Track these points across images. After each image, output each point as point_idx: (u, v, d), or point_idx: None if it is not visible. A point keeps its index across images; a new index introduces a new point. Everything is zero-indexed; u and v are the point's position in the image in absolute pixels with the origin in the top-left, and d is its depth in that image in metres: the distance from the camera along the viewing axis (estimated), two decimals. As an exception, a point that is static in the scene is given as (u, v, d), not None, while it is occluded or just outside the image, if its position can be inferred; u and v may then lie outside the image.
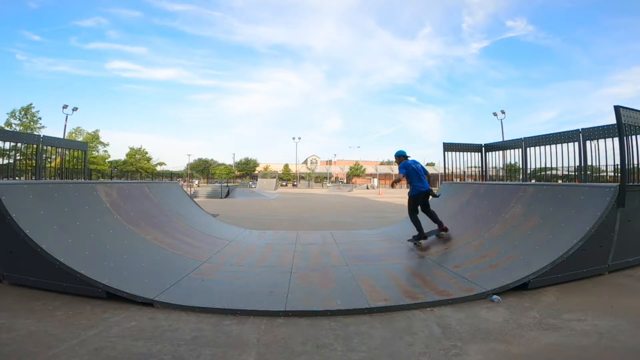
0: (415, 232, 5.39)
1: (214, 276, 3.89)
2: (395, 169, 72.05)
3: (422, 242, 5.34)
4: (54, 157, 7.38)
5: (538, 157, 7.04)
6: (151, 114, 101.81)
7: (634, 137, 4.19)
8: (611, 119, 4.29)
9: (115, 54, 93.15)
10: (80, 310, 2.88)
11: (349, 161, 69.22)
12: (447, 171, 8.36)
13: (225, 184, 31.13)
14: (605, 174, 6.40)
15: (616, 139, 4.31)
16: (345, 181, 66.02)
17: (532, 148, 7.22)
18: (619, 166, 4.29)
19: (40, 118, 28.14)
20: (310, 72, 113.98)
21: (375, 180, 66.07)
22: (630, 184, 4.03)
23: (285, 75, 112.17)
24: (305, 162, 72.34)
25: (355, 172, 65.95)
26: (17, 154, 7.11)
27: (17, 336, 2.42)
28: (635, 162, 4.21)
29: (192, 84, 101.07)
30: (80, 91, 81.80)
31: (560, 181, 7.28)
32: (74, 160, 7.59)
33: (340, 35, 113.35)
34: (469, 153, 8.57)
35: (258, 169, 67.85)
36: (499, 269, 3.76)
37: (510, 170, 8.30)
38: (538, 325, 2.68)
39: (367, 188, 53.92)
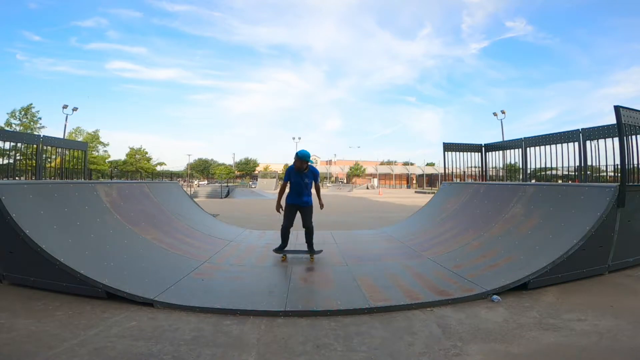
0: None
1: (214, 276, 3.89)
2: (395, 169, 71.65)
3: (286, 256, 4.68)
4: (54, 157, 7.39)
5: (538, 157, 7.05)
6: (151, 114, 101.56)
7: (634, 137, 4.19)
8: (611, 119, 4.30)
9: (115, 54, 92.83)
10: (80, 310, 2.88)
11: (349, 161, 69.16)
12: (447, 171, 8.37)
13: (225, 184, 31.12)
14: (605, 174, 6.40)
15: (616, 139, 4.32)
16: (345, 181, 66.00)
17: (532, 148, 7.22)
18: (619, 166, 4.29)
19: (40, 118, 28.26)
20: (310, 72, 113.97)
21: (375, 180, 66.07)
22: (630, 184, 4.03)
23: (285, 75, 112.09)
24: (305, 162, 72.20)
25: (355, 172, 65.89)
26: (17, 154, 7.11)
27: (17, 336, 2.42)
28: (635, 162, 4.22)
29: (192, 84, 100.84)
30: (80, 91, 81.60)
31: (560, 181, 7.28)
32: (74, 160, 7.59)
33: (340, 36, 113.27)
34: (469, 153, 8.58)
35: (258, 169, 67.82)
36: (499, 269, 3.76)
37: (510, 170, 8.30)
38: (538, 325, 2.68)
39: (367, 188, 53.91)
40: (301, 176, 4.42)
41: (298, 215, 4.65)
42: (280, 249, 4.73)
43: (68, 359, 2.14)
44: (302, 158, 4.34)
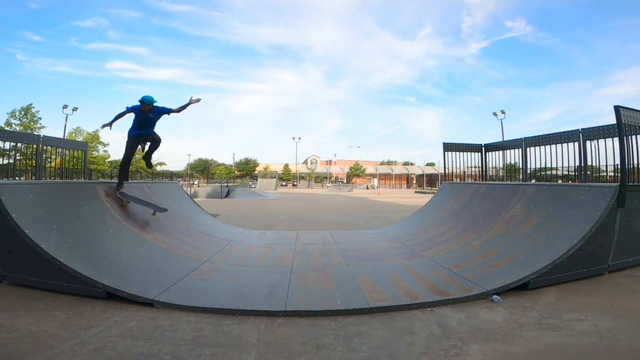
0: None
1: (214, 276, 3.89)
2: (395, 169, 71.74)
3: None
4: (54, 157, 7.38)
5: (538, 157, 7.05)
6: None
7: (634, 137, 4.19)
8: (611, 119, 4.30)
9: (115, 54, 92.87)
10: (80, 310, 2.88)
11: (349, 161, 69.14)
12: (447, 171, 8.37)
13: (226, 184, 31.09)
14: (605, 174, 6.41)
15: (616, 139, 4.32)
16: (345, 181, 65.97)
17: (532, 148, 7.22)
18: (619, 166, 4.29)
19: (40, 118, 28.09)
20: (310, 72, 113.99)
21: (375, 180, 66.06)
22: (630, 184, 4.03)
23: (285, 75, 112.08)
24: (305, 162, 72.28)
25: (355, 172, 65.88)
26: (17, 154, 7.11)
27: (17, 336, 2.42)
28: (635, 162, 4.22)
29: (192, 84, 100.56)
30: (80, 91, 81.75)
31: (560, 181, 7.28)
32: (74, 160, 7.58)
33: (340, 36, 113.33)
34: (469, 153, 8.58)
35: (258, 169, 67.77)
36: (499, 269, 3.76)
37: (510, 170, 8.30)
38: (538, 325, 2.68)
39: (367, 188, 53.88)
40: (147, 114, 4.96)
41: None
42: (120, 185, 5.13)
43: (68, 359, 2.15)
44: (148, 103, 4.87)
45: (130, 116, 4.97)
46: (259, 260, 4.78)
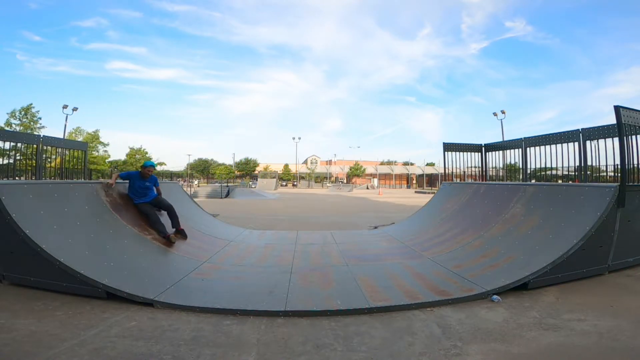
0: None
1: (214, 276, 3.89)
2: (395, 169, 71.79)
3: None
4: (54, 157, 7.39)
5: (538, 157, 7.05)
6: (151, 114, 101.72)
7: (634, 137, 4.19)
8: (611, 119, 4.30)
9: (115, 54, 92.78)
10: (80, 310, 2.88)
11: (349, 161, 69.12)
12: (447, 171, 8.37)
13: (225, 184, 31.07)
14: (605, 174, 6.41)
15: (616, 139, 4.32)
16: (345, 181, 65.95)
17: (532, 148, 7.23)
18: (619, 166, 4.29)
19: (40, 118, 28.06)
20: (310, 72, 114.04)
21: (375, 180, 66.06)
22: (630, 184, 4.03)
23: (285, 75, 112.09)
24: (305, 162, 72.28)
25: (355, 172, 65.84)
26: (17, 154, 7.12)
27: (17, 336, 2.42)
28: (635, 162, 4.22)
29: (192, 84, 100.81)
30: (80, 91, 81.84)
31: (560, 181, 7.28)
32: (74, 160, 7.59)
33: (340, 36, 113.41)
34: (469, 153, 8.59)
35: (258, 169, 67.76)
36: (499, 269, 3.76)
37: (510, 170, 8.31)
38: (538, 325, 2.69)
39: (367, 188, 53.85)
40: (144, 181, 5.08)
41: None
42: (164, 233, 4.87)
43: (68, 359, 2.15)
44: (146, 166, 5.12)
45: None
46: (259, 260, 4.78)
